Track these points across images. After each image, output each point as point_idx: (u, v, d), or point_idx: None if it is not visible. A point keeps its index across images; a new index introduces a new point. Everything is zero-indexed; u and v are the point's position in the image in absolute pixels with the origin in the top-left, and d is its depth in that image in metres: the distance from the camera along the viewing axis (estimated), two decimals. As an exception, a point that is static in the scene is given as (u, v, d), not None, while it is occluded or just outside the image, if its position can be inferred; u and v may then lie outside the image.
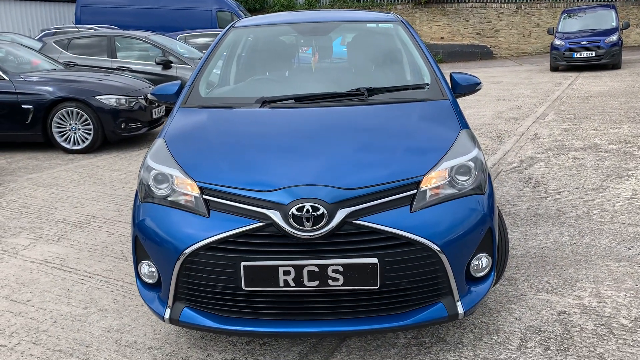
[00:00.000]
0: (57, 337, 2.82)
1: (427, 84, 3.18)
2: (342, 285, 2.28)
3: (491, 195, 2.61)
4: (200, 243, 2.29)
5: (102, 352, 2.68)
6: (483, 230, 2.46)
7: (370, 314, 2.36)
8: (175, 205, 2.43)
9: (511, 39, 23.57)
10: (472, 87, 3.49)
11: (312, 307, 2.34)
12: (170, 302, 2.43)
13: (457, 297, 2.42)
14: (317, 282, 2.27)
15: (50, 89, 7.07)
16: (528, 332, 2.74)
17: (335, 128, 2.74)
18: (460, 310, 2.41)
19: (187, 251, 2.30)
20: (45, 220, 4.63)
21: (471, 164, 2.55)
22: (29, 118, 7.03)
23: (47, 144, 7.31)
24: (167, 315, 2.44)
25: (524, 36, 23.53)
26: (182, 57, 9.60)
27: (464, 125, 2.82)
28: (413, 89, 3.16)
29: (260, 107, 2.95)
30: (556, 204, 4.69)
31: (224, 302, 2.37)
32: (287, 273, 2.26)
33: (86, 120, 7.07)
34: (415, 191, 2.38)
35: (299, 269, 2.25)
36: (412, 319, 2.37)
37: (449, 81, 3.41)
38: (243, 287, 2.29)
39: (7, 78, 7.09)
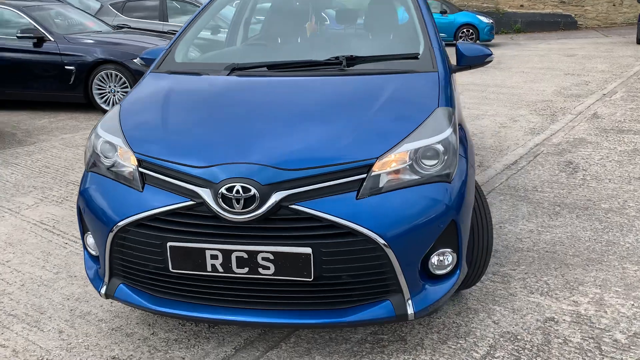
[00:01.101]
0: (17, 301, 2.82)
1: (418, 54, 2.84)
2: (274, 274, 2.08)
3: (464, 184, 2.29)
4: (130, 219, 2.16)
5: (53, 321, 2.65)
6: (443, 224, 2.17)
7: (305, 307, 2.15)
8: (116, 176, 2.31)
9: (600, 7, 21.78)
10: (480, 59, 3.12)
11: (242, 295, 2.16)
12: (106, 278, 2.33)
13: (407, 295, 2.16)
14: (246, 270, 2.08)
15: (91, 50, 7.18)
16: (501, 339, 2.44)
17: (298, 101, 2.49)
18: (410, 310, 2.15)
19: (119, 225, 2.17)
20: (58, 181, 4.71)
21: (439, 147, 2.24)
22: (72, 79, 7.19)
23: (89, 105, 7.47)
24: (103, 291, 2.35)
25: (614, 5, 21.69)
26: (231, 22, 9.49)
27: (446, 102, 2.49)
28: (402, 59, 2.83)
29: (228, 74, 2.75)
30: (589, 193, 4.21)
31: (155, 282, 2.24)
32: (214, 257, 2.08)
33: (124, 82, 7.14)
34: (364, 175, 2.11)
35: (227, 254, 2.07)
36: (352, 317, 2.14)
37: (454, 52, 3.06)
38: (170, 268, 2.14)
39: (52, 39, 7.26)
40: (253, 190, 2.03)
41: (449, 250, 2.24)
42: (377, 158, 2.14)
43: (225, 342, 2.47)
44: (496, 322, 2.57)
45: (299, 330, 2.52)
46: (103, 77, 7.18)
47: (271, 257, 2.05)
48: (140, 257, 2.19)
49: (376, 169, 2.13)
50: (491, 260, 3.16)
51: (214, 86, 2.67)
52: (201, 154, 2.17)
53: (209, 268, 2.10)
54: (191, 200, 2.10)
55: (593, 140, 5.73)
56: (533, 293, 2.80)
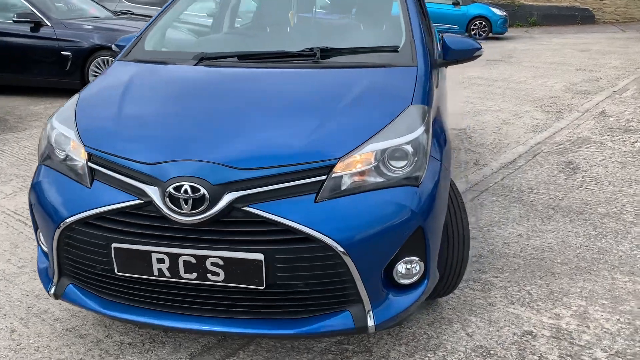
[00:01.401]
0: (-25, 296, 2.73)
1: (398, 47, 2.66)
2: (224, 281, 1.95)
3: (435, 188, 2.13)
4: (76, 216, 2.03)
5: (7, 319, 2.54)
6: (408, 230, 2.01)
7: (258, 316, 2.02)
8: (68, 171, 2.18)
9: (618, 1, 21.29)
10: (468, 53, 2.93)
11: (191, 301, 2.03)
12: (55, 277, 2.21)
13: (368, 306, 2.01)
14: (195, 275, 1.95)
15: (88, 36, 7.07)
16: (473, 354, 2.29)
17: (262, 95, 2.34)
18: (371, 322, 2.01)
19: (66, 222, 2.04)
20: (41, 169, 4.60)
21: (408, 147, 2.08)
22: (68, 65, 7.10)
23: (86, 92, 7.37)
24: (51, 291, 2.23)
25: (634, -1, 21.18)
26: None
27: (422, 99, 2.32)
28: (381, 51, 2.66)
29: (196, 64, 2.60)
30: (587, 196, 4.02)
31: (103, 285, 2.12)
32: (161, 261, 1.95)
33: (121, 69, 7.02)
34: (324, 177, 1.96)
35: (174, 258, 1.94)
36: (308, 327, 2.00)
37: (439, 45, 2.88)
38: (116, 271, 2.01)
39: (49, 24, 7.16)
40: (202, 191, 1.89)
41: (415, 258, 2.09)
42: (339, 159, 1.99)
43: (182, 347, 2.34)
44: (470, 334, 2.42)
45: (259, 338, 2.39)
46: (100, 64, 7.07)
47: (221, 262, 1.92)
48: (87, 258, 2.07)
49: (338, 170, 1.98)
50: (474, 266, 3.01)
51: (177, 77, 2.53)
52: (151, 150, 2.04)
53: (155, 272, 1.97)
54: (139, 199, 1.97)
55: (597, 139, 5.52)
56: (513, 303, 2.64)
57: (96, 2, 8.63)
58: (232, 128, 2.10)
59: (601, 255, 3.12)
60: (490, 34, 15.73)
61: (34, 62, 7.21)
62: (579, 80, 8.88)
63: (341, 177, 1.98)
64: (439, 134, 2.38)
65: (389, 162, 2.06)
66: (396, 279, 2.08)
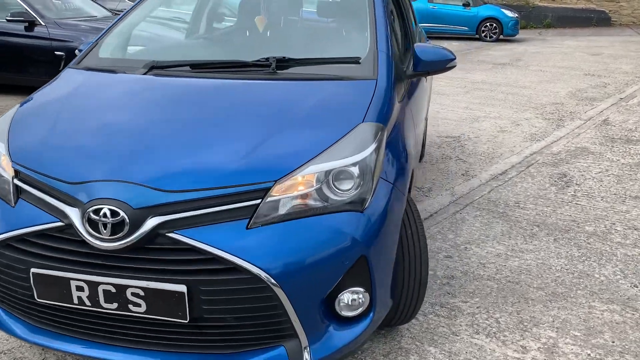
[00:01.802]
0: None
1: (360, 59, 2.50)
2: (145, 312, 1.81)
3: (384, 213, 1.97)
4: (-3, 237, 1.91)
5: (-57, 338, 2.43)
6: (349, 260, 1.86)
7: (185, 350, 1.88)
8: None
9: (635, 4, 20.83)
10: (440, 64, 2.76)
11: (115, 332, 1.90)
12: None
13: (304, 342, 1.86)
14: (115, 305, 1.81)
15: (82, 36, 6.98)
16: (426, 391, 2.13)
17: (207, 109, 2.19)
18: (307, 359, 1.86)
19: None
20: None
21: (354, 169, 1.93)
22: (62, 65, 7.01)
23: (79, 92, 7.30)
24: None
25: (651, 1, 20.71)
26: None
27: (377, 117, 2.16)
28: (342, 63, 2.49)
29: (145, 73, 2.46)
30: (575, 213, 3.82)
31: (27, 310, 1.99)
32: (80, 289, 1.82)
33: (113, 70, 6.93)
34: (258, 201, 1.81)
35: (93, 287, 1.80)
36: (234, 365, 1.86)
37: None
38: (35, 297, 1.89)
39: (42, 23, 7.09)
40: (122, 214, 1.75)
41: (360, 289, 1.94)
42: (276, 181, 1.84)
43: (118, 375, 2.21)
44: (426, 367, 2.26)
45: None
46: (92, 64, 6.98)
47: (141, 293, 1.78)
48: (8, 282, 1.94)
49: (276, 194, 1.83)
50: (444, 289, 2.84)
51: (120, 88, 2.39)
52: (77, 168, 1.90)
53: (75, 300, 1.84)
54: (60, 221, 1.84)
55: (596, 150, 5.30)
56: (479, 333, 2.47)
57: (95, 2, 8.56)
58: (165, 145, 1.96)
59: (581, 280, 2.93)
60: (501, 36, 15.44)
61: (28, 61, 7.15)
62: (586, 85, 8.63)
63: (278, 201, 1.83)
64: (397, 153, 2.22)
65: (333, 185, 1.91)
66: (338, 311, 1.93)
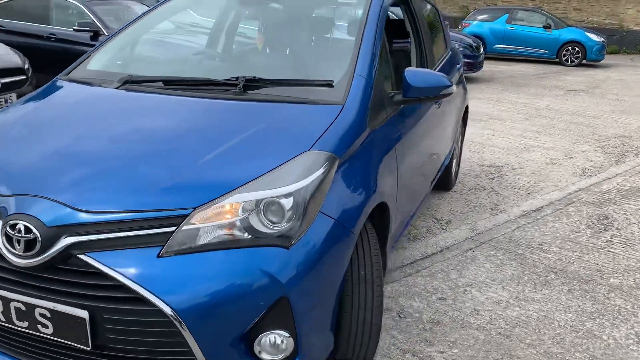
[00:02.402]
0: None
1: (333, 82, 2.34)
2: (52, 335, 1.75)
3: (316, 251, 1.80)
4: None
5: None
6: (266, 301, 1.71)
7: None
8: None
9: None
10: (432, 91, 2.55)
11: (30, 350, 1.85)
12: None
13: (214, 383, 1.73)
14: (26, 324, 1.77)
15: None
16: None
17: (156, 127, 2.11)
18: (216, 404, 1.72)
19: None
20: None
21: (286, 201, 1.78)
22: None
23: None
24: None
25: None
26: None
27: (331, 145, 1.99)
28: (314, 85, 2.35)
29: (118, 87, 2.43)
30: (604, 261, 3.43)
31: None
32: (-4, 304, 1.79)
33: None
34: (173, 229, 1.71)
35: (6, 303, 1.77)
36: (140, 399, 1.75)
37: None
38: (-42, 308, 1.88)
39: (106, 33, 7.43)
40: (35, 231, 1.71)
41: (283, 332, 1.78)
42: (196, 208, 1.73)
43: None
44: None
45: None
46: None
47: (48, 314, 1.72)
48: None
49: (196, 222, 1.72)
50: (423, 335, 2.60)
51: (83, 101, 2.38)
52: (8, 181, 1.88)
53: (-9, 317, 1.81)
54: None
55: (653, 191, 4.78)
56: (443, 391, 2.23)
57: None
58: (96, 163, 1.90)
59: (585, 341, 2.59)
60: (585, 61, 14.56)
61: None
62: (664, 118, 7.89)
63: (198, 229, 1.72)
64: (353, 185, 2.04)
65: (262, 216, 1.78)
66: (257, 353, 1.78)
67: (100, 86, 2.48)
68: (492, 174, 5.20)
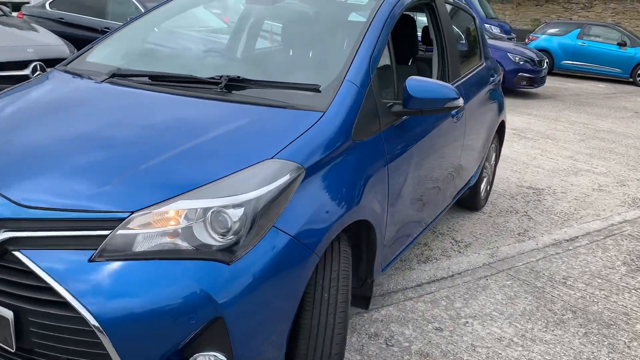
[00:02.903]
0: None
1: (320, 87, 2.17)
2: (-17, 332, 1.68)
3: (261, 269, 1.64)
4: None
5: None
6: (196, 320, 1.57)
7: (19, 379, 1.72)
8: None
9: None
10: (435, 103, 2.33)
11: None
12: None
13: (139, 403, 1.60)
14: (-39, 317, 1.71)
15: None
16: None
17: (120, 125, 1.99)
18: None
19: None
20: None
21: (234, 211, 1.64)
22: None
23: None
24: None
25: None
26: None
27: (297, 155, 1.82)
28: (300, 89, 2.18)
29: (104, 80, 2.35)
30: (634, 305, 3.07)
31: None
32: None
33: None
34: (107, 232, 1.60)
35: (-57, 295, 1.72)
36: (64, 410, 1.65)
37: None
38: None
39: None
40: (-25, 223, 1.64)
41: (220, 355, 1.64)
42: (134, 212, 1.61)
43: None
44: None
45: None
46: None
47: (-22, 309, 1.65)
48: None
49: (134, 227, 1.61)
50: (406, 367, 2.39)
51: (64, 94, 2.31)
52: (-37, 169, 1.84)
53: None
54: None
55: None
56: None
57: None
58: (49, 159, 1.81)
59: (589, 394, 2.30)
60: (661, 82, 13.61)
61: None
62: None
63: (136, 235, 1.60)
64: (323, 200, 1.87)
65: (210, 227, 1.64)
66: (191, 375, 1.64)
67: (89, 78, 2.42)
68: (529, 196, 4.85)
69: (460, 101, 2.40)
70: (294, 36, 2.78)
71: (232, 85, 2.19)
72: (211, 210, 1.64)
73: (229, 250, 1.62)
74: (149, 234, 1.61)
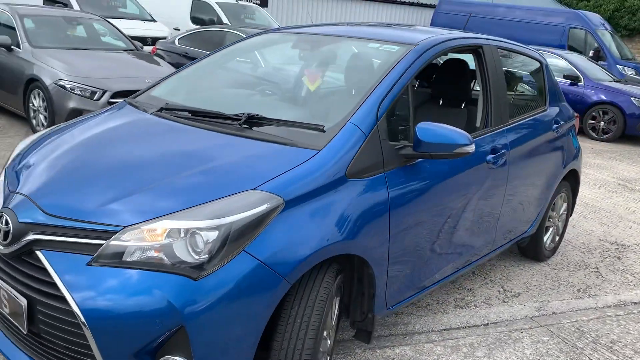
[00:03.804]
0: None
1: (324, 127, 2.33)
2: (9, 314, 2.04)
3: (228, 289, 1.83)
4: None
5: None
6: (161, 325, 1.79)
7: (31, 356, 2.05)
8: None
9: None
10: (445, 148, 2.39)
11: (4, 323, 2.17)
12: None
13: (112, 392, 1.85)
14: (-4, 302, 2.10)
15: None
16: None
17: (145, 152, 2.28)
18: (110, 411, 1.84)
19: None
20: None
21: (206, 234, 1.86)
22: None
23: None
24: None
25: None
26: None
27: (279, 189, 2.00)
28: (307, 128, 2.36)
29: (153, 112, 2.70)
30: (683, 381, 2.78)
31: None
32: (-16, 280, 2.15)
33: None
34: (103, 242, 1.89)
35: (-15, 282, 2.12)
36: (59, 389, 1.95)
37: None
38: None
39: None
40: (10, 225, 2.03)
41: (179, 358, 1.85)
42: (126, 227, 1.90)
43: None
44: None
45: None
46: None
47: (6, 296, 2.02)
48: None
49: (125, 239, 1.88)
50: (398, 406, 2.41)
51: (118, 121, 2.67)
52: (21, 180, 2.25)
53: (-19, 289, 2.17)
54: None
55: None
56: None
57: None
58: (75, 176, 2.16)
59: None
60: None
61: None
62: None
63: (126, 247, 1.88)
64: (303, 232, 2.02)
65: (189, 245, 1.87)
66: (159, 374, 1.87)
67: (144, 110, 2.80)
68: (608, 252, 4.53)
69: (471, 148, 2.43)
70: (328, 77, 2.99)
71: (252, 121, 2.43)
72: (190, 231, 1.87)
73: (199, 267, 1.83)
74: (137, 247, 1.87)
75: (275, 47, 3.48)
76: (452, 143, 2.40)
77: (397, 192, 2.42)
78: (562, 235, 4.34)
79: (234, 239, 1.88)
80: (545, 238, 4.08)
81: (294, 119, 2.47)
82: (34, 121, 6.30)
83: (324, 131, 2.33)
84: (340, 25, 3.39)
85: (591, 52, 14.16)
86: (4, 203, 2.14)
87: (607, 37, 14.62)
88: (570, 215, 4.45)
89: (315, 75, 3.13)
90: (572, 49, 14.13)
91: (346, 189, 2.22)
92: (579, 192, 6.24)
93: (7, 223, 2.04)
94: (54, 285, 1.89)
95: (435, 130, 2.41)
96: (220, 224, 1.87)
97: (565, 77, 10.30)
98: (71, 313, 1.84)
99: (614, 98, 9.91)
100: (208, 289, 1.83)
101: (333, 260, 2.22)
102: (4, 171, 2.45)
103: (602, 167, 7.81)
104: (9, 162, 2.52)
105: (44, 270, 1.93)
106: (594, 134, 10.04)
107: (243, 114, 2.48)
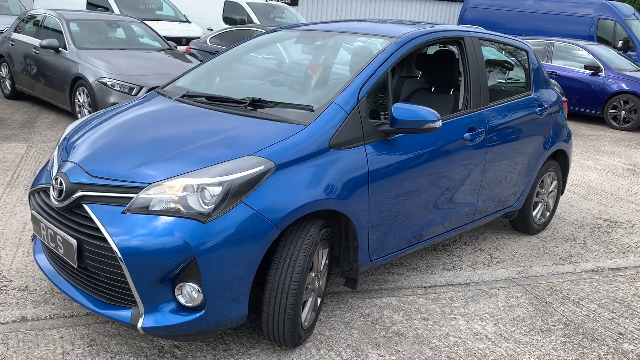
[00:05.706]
0: None
1: (312, 107, 2.83)
2: (63, 254, 2.61)
3: (227, 230, 2.35)
4: (32, 188, 2.97)
5: (40, 253, 3.67)
6: (177, 257, 2.32)
7: (80, 287, 2.62)
8: None
9: None
10: (415, 124, 2.86)
11: (58, 263, 2.76)
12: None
13: (141, 310, 2.40)
14: (53, 245, 2.67)
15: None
16: None
17: (171, 129, 2.84)
18: (139, 324, 2.39)
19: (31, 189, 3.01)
20: None
21: (212, 189, 2.38)
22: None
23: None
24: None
25: None
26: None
27: (271, 155, 2.52)
28: (299, 108, 2.87)
29: (176, 99, 3.26)
30: (636, 328, 3.16)
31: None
32: (44, 229, 2.73)
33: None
34: (134, 195, 2.44)
35: (46, 229, 2.69)
36: (104, 310, 2.51)
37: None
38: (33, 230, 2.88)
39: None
40: (63, 185, 2.60)
41: (195, 286, 2.38)
42: (151, 184, 2.44)
43: (89, 306, 3.06)
44: None
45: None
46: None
47: (61, 239, 2.60)
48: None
49: (151, 193, 2.43)
50: (379, 339, 2.88)
51: (148, 107, 3.23)
52: (71, 151, 2.83)
53: (43, 237, 2.76)
54: (48, 183, 2.79)
55: None
56: (350, 381, 2.53)
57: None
58: (115, 147, 2.74)
59: (529, 384, 2.59)
60: None
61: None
62: None
63: (151, 199, 2.42)
64: (291, 189, 2.52)
65: (199, 197, 2.40)
66: (176, 296, 2.41)
67: (169, 98, 3.36)
68: (599, 227, 4.87)
69: (438, 123, 2.89)
70: (323, 69, 3.50)
71: (255, 104, 2.96)
72: (200, 186, 2.40)
73: (206, 214, 2.36)
74: (161, 199, 2.41)
75: (280, 42, 4.00)
76: (421, 120, 2.86)
77: (375, 160, 2.89)
78: (553, 211, 4.71)
79: (235, 193, 2.39)
80: (534, 213, 4.46)
81: (290, 102, 2.98)
82: (79, 116, 7.00)
83: (313, 110, 2.83)
84: (338, 22, 3.88)
85: (620, 43, 14.16)
86: (58, 169, 2.72)
87: (637, 27, 14.58)
88: (562, 193, 4.81)
89: (317, 65, 3.64)
90: (600, 39, 14.18)
91: (329, 157, 2.71)
92: (585, 176, 6.55)
93: (61, 184, 2.61)
94: (97, 229, 2.44)
95: (408, 109, 2.88)
96: (224, 181, 2.40)
97: (586, 67, 10.48)
98: (110, 250, 2.39)
99: (635, 87, 10.04)
100: (213, 230, 2.35)
101: (319, 216, 2.71)
102: (56, 148, 3.04)
103: (615, 154, 8.04)
104: (60, 140, 3.12)
105: (89, 218, 2.49)
106: (615, 123, 10.20)
107: (248, 98, 3.00)
